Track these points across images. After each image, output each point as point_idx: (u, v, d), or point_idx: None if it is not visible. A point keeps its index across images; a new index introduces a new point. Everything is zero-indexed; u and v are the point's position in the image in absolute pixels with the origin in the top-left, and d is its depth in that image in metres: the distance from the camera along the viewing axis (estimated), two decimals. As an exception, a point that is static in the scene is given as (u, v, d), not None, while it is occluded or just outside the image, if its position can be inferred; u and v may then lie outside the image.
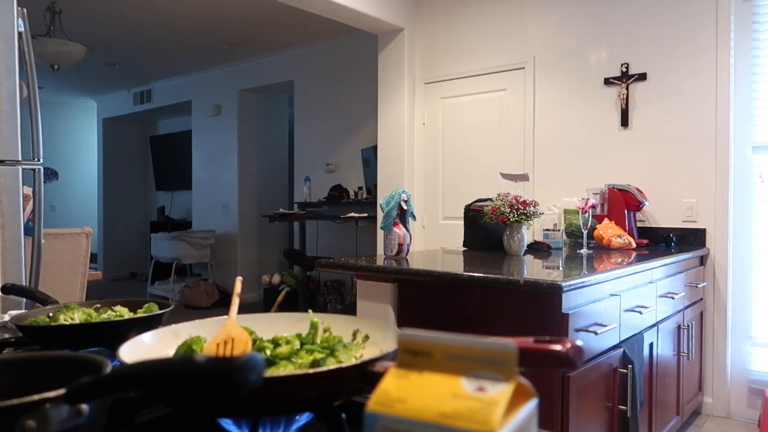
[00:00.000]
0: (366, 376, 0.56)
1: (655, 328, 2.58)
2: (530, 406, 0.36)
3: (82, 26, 5.20)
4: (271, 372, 0.62)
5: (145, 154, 9.29)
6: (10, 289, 1.17)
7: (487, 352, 0.35)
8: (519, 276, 1.88)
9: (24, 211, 2.07)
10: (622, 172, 3.48)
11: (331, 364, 0.64)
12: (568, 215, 3.24)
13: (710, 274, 3.24)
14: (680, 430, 2.95)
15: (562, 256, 2.69)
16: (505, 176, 3.08)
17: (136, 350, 0.66)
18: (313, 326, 0.76)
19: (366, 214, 5.04)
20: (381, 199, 2.87)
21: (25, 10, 2.11)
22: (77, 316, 0.90)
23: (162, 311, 0.93)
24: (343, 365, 0.59)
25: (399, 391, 0.35)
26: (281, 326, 0.80)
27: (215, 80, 7.08)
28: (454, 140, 4.30)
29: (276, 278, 6.02)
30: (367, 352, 0.72)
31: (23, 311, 1.01)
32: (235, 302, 0.75)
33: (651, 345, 2.53)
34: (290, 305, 5.60)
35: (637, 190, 3.25)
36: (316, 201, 5.77)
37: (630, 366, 2.23)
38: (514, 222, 2.68)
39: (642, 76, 3.42)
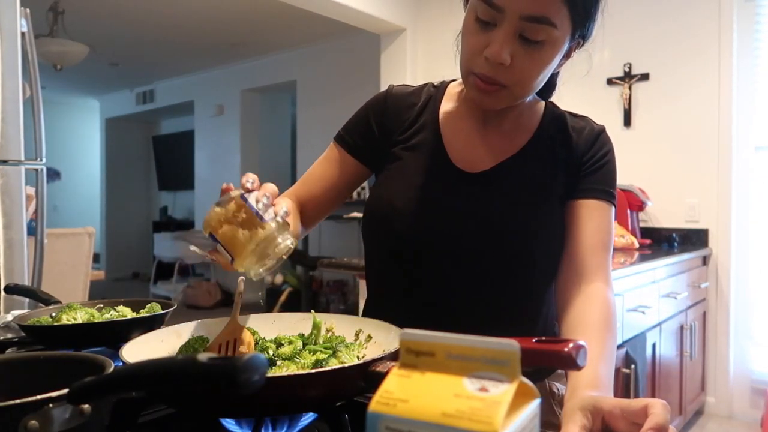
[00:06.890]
0: (368, 376, 0.56)
1: (658, 328, 2.58)
2: (533, 406, 0.35)
3: (85, 26, 5.21)
4: (274, 372, 0.62)
5: (147, 154, 9.29)
6: (12, 289, 1.17)
7: (490, 352, 0.35)
8: (521, 276, 1.87)
9: (27, 211, 2.07)
10: (624, 172, 3.45)
11: (333, 365, 0.64)
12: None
13: (713, 274, 3.23)
14: (683, 430, 2.94)
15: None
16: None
17: (138, 350, 0.66)
18: (316, 326, 0.76)
19: (368, 214, 5.03)
20: (383, 199, 2.86)
21: (28, 10, 2.11)
22: (80, 316, 0.90)
23: (164, 311, 0.93)
24: (346, 365, 0.59)
25: (401, 391, 0.35)
26: (284, 326, 0.80)
27: (218, 80, 7.08)
28: (456, 140, 4.28)
29: (278, 278, 6.02)
30: (370, 352, 0.72)
31: (26, 311, 1.01)
32: (238, 302, 0.76)
33: (653, 345, 2.53)
34: (292, 305, 5.59)
35: (640, 190, 3.24)
36: (318, 201, 5.75)
37: (633, 366, 2.23)
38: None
39: (645, 76, 3.41)
